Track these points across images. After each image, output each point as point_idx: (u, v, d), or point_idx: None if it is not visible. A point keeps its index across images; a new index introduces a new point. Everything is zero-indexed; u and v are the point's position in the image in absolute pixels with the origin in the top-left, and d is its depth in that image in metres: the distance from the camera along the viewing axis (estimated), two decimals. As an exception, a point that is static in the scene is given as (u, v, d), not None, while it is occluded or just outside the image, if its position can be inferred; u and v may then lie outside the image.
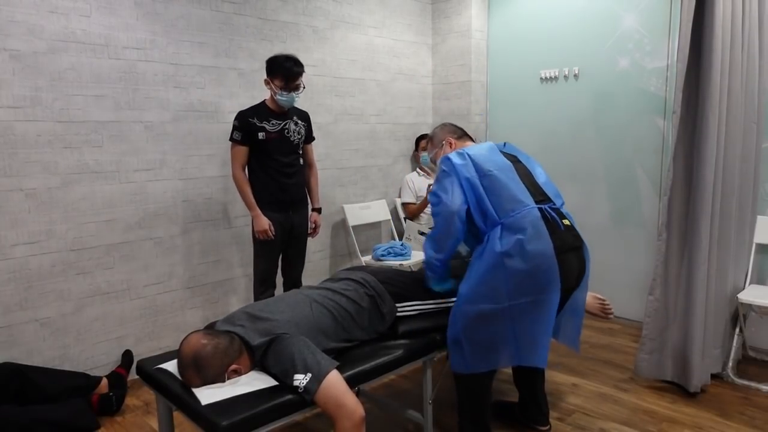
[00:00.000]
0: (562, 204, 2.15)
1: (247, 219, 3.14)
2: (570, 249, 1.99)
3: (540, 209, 1.97)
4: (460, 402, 2.10)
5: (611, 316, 2.51)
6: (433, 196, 2.07)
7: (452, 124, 2.41)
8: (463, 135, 2.36)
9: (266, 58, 2.85)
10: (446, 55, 4.32)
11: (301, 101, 3.03)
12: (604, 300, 2.52)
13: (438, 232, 2.04)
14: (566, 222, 2.04)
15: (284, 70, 2.73)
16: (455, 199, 1.98)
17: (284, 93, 2.76)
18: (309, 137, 3.04)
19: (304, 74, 2.83)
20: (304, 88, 2.86)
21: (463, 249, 3.76)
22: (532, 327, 1.93)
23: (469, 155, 2.06)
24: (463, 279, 2.01)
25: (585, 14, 3.67)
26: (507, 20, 4.13)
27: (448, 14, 4.25)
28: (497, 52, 4.22)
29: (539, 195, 2.05)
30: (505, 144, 2.26)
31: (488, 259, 1.92)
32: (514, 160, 2.16)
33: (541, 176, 2.18)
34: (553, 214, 2.00)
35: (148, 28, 2.88)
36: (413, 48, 4.28)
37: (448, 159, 2.07)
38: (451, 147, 2.27)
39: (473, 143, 2.30)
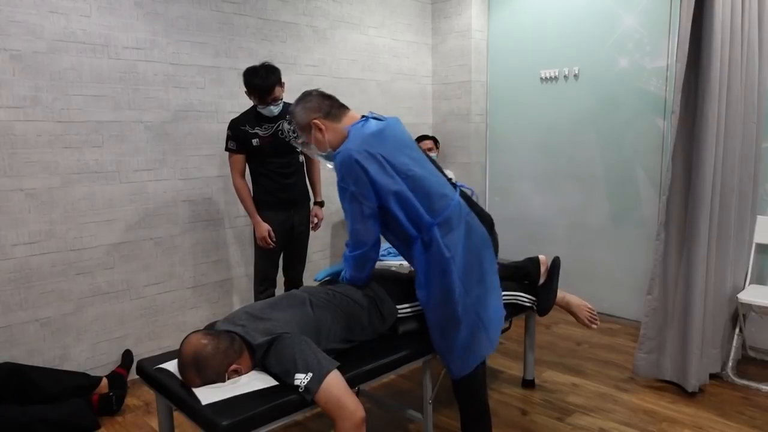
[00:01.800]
0: None
1: (248, 219, 3.14)
2: (489, 225, 2.04)
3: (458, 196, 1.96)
4: (463, 404, 2.07)
5: (595, 326, 2.52)
6: (349, 212, 1.85)
7: (318, 95, 1.92)
8: (332, 108, 1.90)
9: (266, 58, 2.85)
10: (446, 55, 4.32)
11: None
12: (593, 310, 2.52)
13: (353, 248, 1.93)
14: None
15: (254, 87, 2.70)
16: (369, 234, 1.85)
17: (262, 107, 2.76)
18: None
19: (282, 82, 2.75)
20: (281, 99, 2.76)
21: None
22: (490, 307, 1.99)
23: (382, 156, 1.77)
24: (416, 284, 1.95)
25: (585, 14, 3.67)
26: (507, 20, 4.13)
27: (448, 14, 4.26)
28: (497, 52, 4.22)
29: (448, 180, 2.01)
30: (385, 118, 1.93)
31: (439, 265, 1.87)
32: (410, 139, 1.97)
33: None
34: (465, 191, 2.04)
35: (148, 28, 2.88)
36: (413, 48, 4.28)
37: (358, 165, 1.74)
38: (321, 131, 1.88)
39: (351, 114, 1.92)
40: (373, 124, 1.87)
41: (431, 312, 1.94)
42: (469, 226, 1.92)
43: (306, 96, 1.94)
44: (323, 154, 1.95)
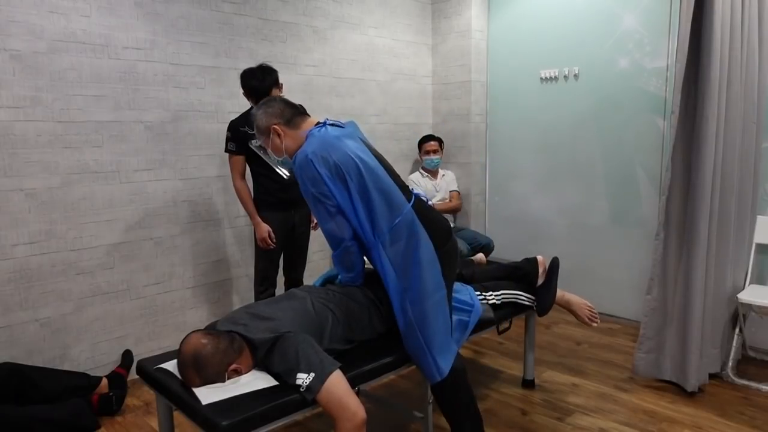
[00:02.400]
0: None
1: (248, 219, 3.14)
2: (446, 234, 1.98)
3: (412, 206, 1.90)
4: (448, 406, 2.02)
5: (595, 324, 2.52)
6: (316, 214, 1.90)
7: (281, 102, 1.96)
8: (293, 116, 1.94)
9: (266, 58, 2.85)
10: (446, 56, 4.32)
11: (302, 101, 3.03)
12: (593, 308, 2.52)
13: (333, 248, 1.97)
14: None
15: (251, 89, 2.70)
16: (342, 229, 1.87)
17: None
18: None
19: (279, 83, 2.75)
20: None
21: (464, 247, 3.75)
22: (434, 330, 1.92)
23: (336, 159, 1.79)
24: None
25: (585, 14, 3.67)
26: (507, 20, 4.13)
27: (448, 14, 4.26)
28: (497, 52, 4.22)
29: (404, 188, 1.95)
30: (343, 124, 1.97)
31: (382, 276, 1.90)
32: (368, 145, 1.97)
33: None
34: (421, 199, 1.99)
35: (148, 28, 2.88)
36: (413, 48, 4.28)
37: (313, 167, 1.78)
38: (278, 136, 1.91)
39: (310, 120, 1.96)
40: (330, 131, 1.89)
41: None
42: (416, 240, 1.87)
43: (269, 101, 1.98)
44: (279, 159, 1.99)
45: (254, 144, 2.05)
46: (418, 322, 1.88)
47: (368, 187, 1.82)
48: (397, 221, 1.86)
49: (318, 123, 1.95)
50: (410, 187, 2.01)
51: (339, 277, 2.10)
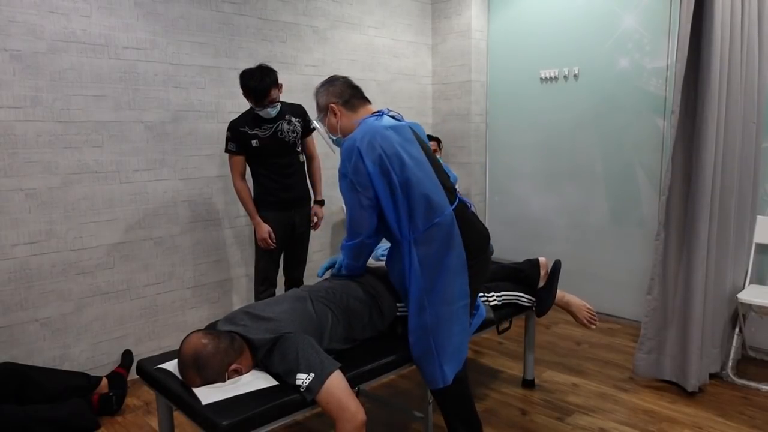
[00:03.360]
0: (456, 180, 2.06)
1: (248, 218, 3.14)
2: (483, 244, 1.96)
3: (454, 210, 1.87)
4: (447, 412, 1.99)
5: (593, 326, 2.52)
6: (347, 200, 1.87)
7: (343, 82, 1.99)
8: (352, 97, 1.96)
9: (266, 58, 2.85)
10: (446, 56, 4.32)
11: (301, 101, 3.04)
12: (592, 310, 2.52)
13: (349, 237, 1.95)
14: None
15: (250, 90, 2.70)
16: (365, 224, 1.85)
17: (259, 108, 2.76)
18: (307, 131, 3.02)
19: (279, 83, 2.75)
20: (278, 100, 2.77)
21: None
22: (449, 337, 1.90)
23: (383, 150, 1.78)
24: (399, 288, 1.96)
25: (585, 14, 3.67)
26: (507, 20, 4.13)
27: (448, 14, 4.26)
28: (497, 52, 4.22)
29: (449, 190, 1.92)
30: (401, 118, 1.99)
31: (405, 274, 1.89)
32: (422, 143, 1.96)
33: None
34: (465, 204, 1.96)
35: (148, 28, 2.88)
36: (413, 48, 4.28)
37: (358, 154, 1.77)
38: (335, 115, 1.94)
39: (368, 108, 1.98)
40: (385, 120, 1.89)
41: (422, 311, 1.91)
42: (450, 246, 1.84)
43: (332, 80, 2.00)
44: (333, 138, 2.00)
45: (315, 120, 2.09)
46: (432, 325, 1.85)
47: (411, 181, 1.80)
48: (435, 221, 1.83)
49: (376, 111, 1.95)
50: (456, 189, 1.99)
51: (340, 261, 2.08)
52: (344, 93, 1.96)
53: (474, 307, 2.01)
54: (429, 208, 1.82)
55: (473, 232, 1.92)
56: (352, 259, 2.01)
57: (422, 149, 1.91)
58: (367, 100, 2.01)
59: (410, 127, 1.95)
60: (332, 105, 1.94)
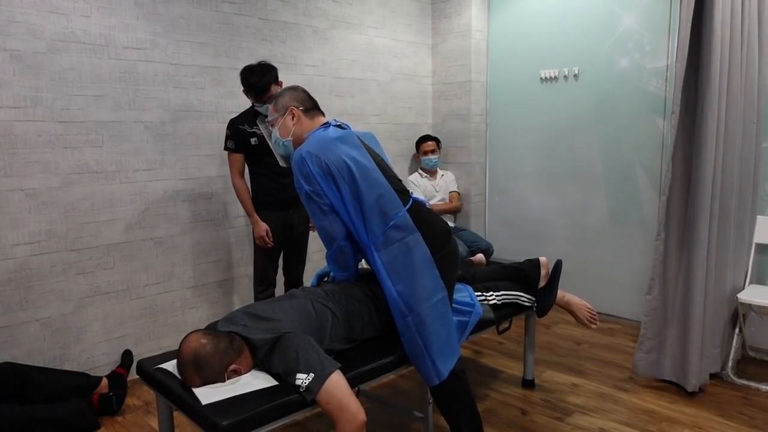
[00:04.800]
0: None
1: (247, 218, 3.14)
2: (444, 237, 1.98)
3: (408, 210, 1.91)
4: (447, 409, 1.99)
5: (594, 326, 2.52)
6: (311, 213, 1.92)
7: (304, 92, 2.06)
8: (312, 108, 2.03)
9: (266, 58, 2.86)
10: (446, 56, 4.32)
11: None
12: (592, 309, 2.52)
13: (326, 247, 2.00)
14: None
15: (250, 85, 2.72)
16: (335, 227, 1.90)
17: (259, 105, 2.76)
18: None
19: (279, 81, 2.76)
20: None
21: (463, 249, 3.75)
22: (433, 333, 1.90)
23: (329, 160, 1.83)
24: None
25: (585, 14, 3.67)
26: (507, 20, 4.13)
27: (448, 14, 4.26)
28: (497, 52, 4.22)
29: (402, 192, 1.95)
30: (346, 126, 2.03)
31: (378, 277, 1.91)
32: (370, 150, 1.98)
33: (386, 156, 2.06)
34: (420, 203, 2.00)
35: (148, 28, 2.88)
36: (413, 48, 4.28)
37: (307, 165, 1.83)
38: (293, 119, 1.99)
39: (321, 119, 2.03)
40: (331, 131, 1.94)
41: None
42: (412, 245, 1.87)
43: (296, 87, 2.08)
44: (282, 140, 2.02)
45: (262, 121, 2.11)
46: (416, 324, 1.87)
47: (360, 189, 1.84)
48: (390, 224, 1.87)
49: (323, 123, 2.00)
50: (410, 191, 2.02)
51: (332, 275, 2.12)
52: (306, 101, 2.03)
53: (452, 300, 2.03)
54: (382, 212, 1.86)
55: (431, 229, 1.95)
56: (338, 268, 2.05)
57: (370, 156, 1.94)
58: (321, 113, 2.07)
59: (357, 136, 1.98)
60: (293, 108, 1.99)
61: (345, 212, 1.88)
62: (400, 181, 2.02)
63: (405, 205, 1.92)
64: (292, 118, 1.99)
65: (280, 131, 2.02)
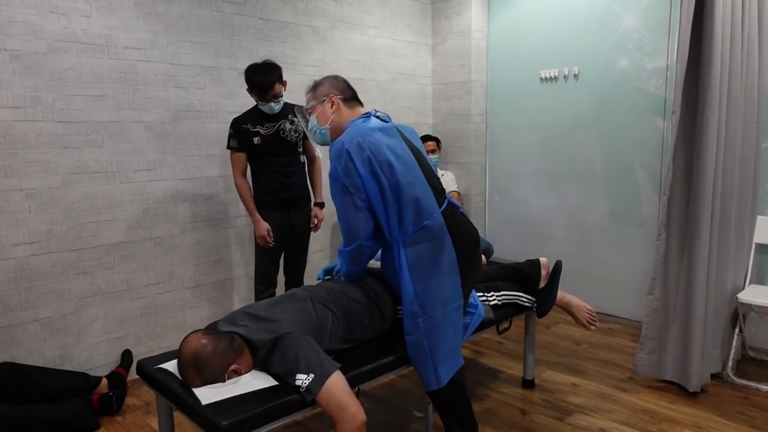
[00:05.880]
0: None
1: (248, 218, 3.14)
2: (473, 244, 1.97)
3: (443, 212, 1.88)
4: (443, 414, 1.98)
5: (593, 327, 2.51)
6: (337, 203, 1.87)
7: (344, 81, 2.03)
8: (352, 98, 2.00)
9: (266, 58, 2.85)
10: (446, 56, 4.32)
11: (301, 101, 3.03)
12: (592, 311, 2.51)
13: (346, 243, 1.95)
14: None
15: (254, 84, 2.72)
16: (362, 226, 1.84)
17: (262, 103, 2.76)
18: None
19: (283, 80, 2.77)
20: (281, 96, 2.79)
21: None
22: (442, 338, 1.90)
23: (371, 152, 1.78)
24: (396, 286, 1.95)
25: (585, 14, 3.67)
26: (507, 20, 4.13)
27: (448, 14, 4.26)
28: (497, 52, 4.22)
29: (438, 191, 1.92)
30: (389, 119, 1.99)
31: (398, 277, 1.89)
32: (410, 145, 1.94)
33: (425, 152, 2.04)
34: (454, 206, 1.96)
35: (148, 28, 2.88)
36: (413, 48, 4.28)
37: (348, 156, 1.77)
38: (332, 107, 1.95)
39: (360, 110, 2.00)
40: (372, 122, 1.90)
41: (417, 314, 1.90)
42: (440, 247, 1.86)
43: (336, 77, 2.04)
44: (319, 128, 1.99)
45: (300, 110, 2.09)
46: (426, 327, 1.85)
47: (401, 183, 1.80)
48: (424, 224, 1.83)
49: (364, 113, 1.96)
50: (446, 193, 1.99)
51: (338, 268, 2.08)
52: (346, 91, 1.99)
53: (467, 307, 2.01)
54: (418, 210, 1.83)
55: (463, 233, 1.94)
56: (351, 264, 2.00)
57: (411, 151, 1.91)
58: (361, 103, 2.03)
59: (397, 129, 1.95)
60: (333, 96, 1.95)
61: (381, 205, 1.81)
62: (438, 179, 1.99)
63: (440, 206, 1.89)
64: (332, 106, 1.95)
65: (318, 119, 1.98)
